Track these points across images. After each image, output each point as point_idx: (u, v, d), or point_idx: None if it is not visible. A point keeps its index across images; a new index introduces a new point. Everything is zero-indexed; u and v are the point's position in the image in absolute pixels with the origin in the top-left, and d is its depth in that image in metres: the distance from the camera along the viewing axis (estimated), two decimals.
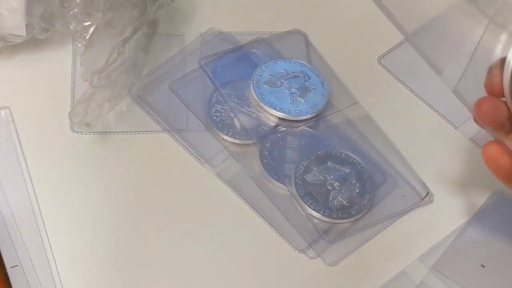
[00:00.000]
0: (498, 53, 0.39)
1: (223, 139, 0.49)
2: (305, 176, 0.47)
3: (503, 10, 0.40)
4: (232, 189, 0.47)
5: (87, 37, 0.48)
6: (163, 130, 0.49)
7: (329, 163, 0.48)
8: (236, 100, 0.50)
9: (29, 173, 0.47)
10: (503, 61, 0.38)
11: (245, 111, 0.50)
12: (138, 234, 0.45)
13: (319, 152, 0.48)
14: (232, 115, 0.50)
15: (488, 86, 0.39)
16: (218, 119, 0.49)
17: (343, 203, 0.46)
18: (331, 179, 0.47)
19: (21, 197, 0.46)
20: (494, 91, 0.39)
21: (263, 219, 0.46)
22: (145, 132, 0.49)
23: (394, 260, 0.45)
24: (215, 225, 0.46)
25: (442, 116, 0.51)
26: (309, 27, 0.54)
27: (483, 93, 0.39)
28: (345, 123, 0.50)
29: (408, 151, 0.49)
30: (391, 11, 0.40)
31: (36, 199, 0.46)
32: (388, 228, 0.47)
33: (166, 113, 0.50)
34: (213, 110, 0.50)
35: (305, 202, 0.46)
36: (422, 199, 0.48)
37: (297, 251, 0.45)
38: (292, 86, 0.51)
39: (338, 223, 0.46)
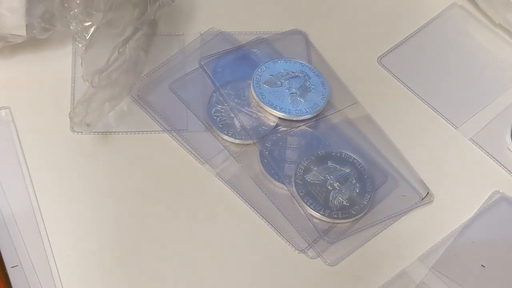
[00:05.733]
0: None
1: (223, 139, 0.49)
2: (305, 176, 0.47)
3: None
4: (232, 189, 0.47)
5: (87, 37, 0.47)
6: (163, 130, 0.49)
7: (329, 163, 0.48)
8: (236, 100, 0.50)
9: (29, 173, 0.47)
10: None
11: (245, 111, 0.50)
12: (138, 234, 0.45)
13: (319, 152, 0.48)
14: (232, 115, 0.49)
15: None
16: (218, 119, 0.49)
17: (343, 203, 0.46)
18: (331, 179, 0.47)
19: (21, 197, 0.46)
20: None
21: (263, 219, 0.46)
22: (145, 132, 0.49)
23: (394, 260, 0.45)
24: (215, 224, 0.46)
25: (442, 116, 0.51)
26: (309, 27, 0.54)
27: None
28: (345, 123, 0.50)
29: (408, 151, 0.49)
30: None
31: (36, 199, 0.46)
32: (388, 228, 0.47)
33: (166, 113, 0.50)
34: (213, 110, 0.50)
35: (305, 202, 0.46)
36: (422, 199, 0.48)
37: (297, 251, 0.45)
38: (292, 86, 0.51)
39: (338, 223, 0.46)
